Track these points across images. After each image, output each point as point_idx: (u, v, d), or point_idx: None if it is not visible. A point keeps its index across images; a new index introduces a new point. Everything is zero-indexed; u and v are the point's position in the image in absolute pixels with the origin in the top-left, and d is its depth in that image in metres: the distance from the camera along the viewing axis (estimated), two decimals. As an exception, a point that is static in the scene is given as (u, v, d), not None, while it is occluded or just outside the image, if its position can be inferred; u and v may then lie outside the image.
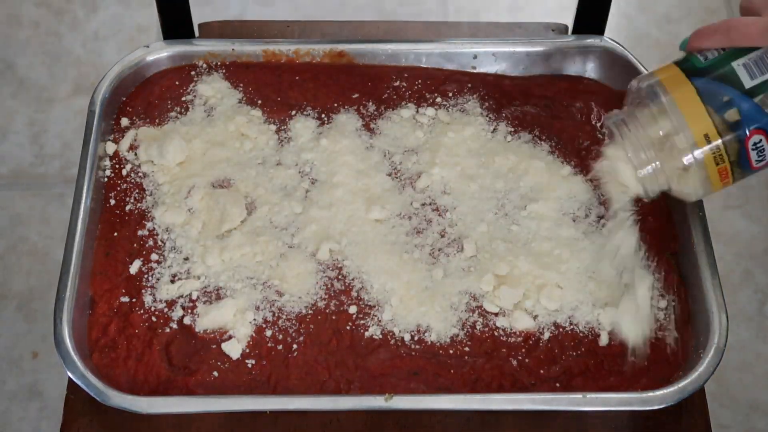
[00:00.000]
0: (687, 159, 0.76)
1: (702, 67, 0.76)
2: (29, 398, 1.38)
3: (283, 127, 0.95)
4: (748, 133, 0.75)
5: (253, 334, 0.83)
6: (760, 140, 0.75)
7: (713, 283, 0.83)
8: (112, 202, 0.90)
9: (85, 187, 0.88)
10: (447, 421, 0.82)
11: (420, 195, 0.90)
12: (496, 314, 0.84)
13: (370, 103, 0.96)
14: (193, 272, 0.86)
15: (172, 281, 0.86)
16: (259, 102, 0.96)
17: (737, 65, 0.75)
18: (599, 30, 0.99)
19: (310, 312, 0.84)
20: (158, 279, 0.86)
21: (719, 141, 0.75)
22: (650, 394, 0.79)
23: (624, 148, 0.79)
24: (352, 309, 0.84)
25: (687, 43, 0.78)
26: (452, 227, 0.88)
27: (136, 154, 0.93)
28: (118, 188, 0.91)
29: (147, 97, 0.96)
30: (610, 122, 0.81)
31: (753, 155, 0.76)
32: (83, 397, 0.81)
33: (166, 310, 0.84)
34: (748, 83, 0.75)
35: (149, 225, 0.88)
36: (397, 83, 0.97)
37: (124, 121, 0.95)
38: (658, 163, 0.78)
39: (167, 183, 0.91)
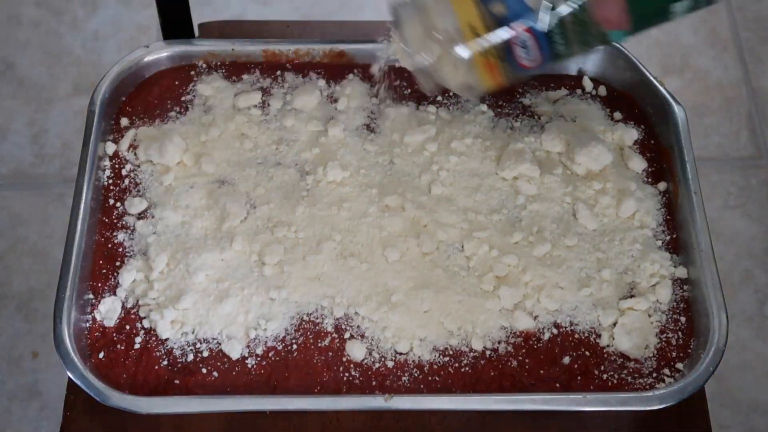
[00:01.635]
0: (456, 48, 0.74)
1: None
2: (29, 398, 1.37)
3: (282, 127, 0.95)
4: (512, 27, 0.73)
5: (253, 334, 0.83)
6: (526, 37, 0.73)
7: (713, 283, 0.83)
8: (112, 202, 0.90)
9: (85, 187, 0.88)
10: (447, 421, 0.82)
11: (421, 193, 0.90)
12: (497, 314, 0.84)
13: (370, 102, 0.96)
14: (193, 272, 0.86)
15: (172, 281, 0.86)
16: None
17: None
18: (599, 30, 0.99)
19: (310, 311, 0.84)
20: (158, 279, 0.86)
21: (483, 32, 0.73)
22: (650, 394, 0.79)
23: (402, 35, 0.77)
24: (352, 308, 0.84)
25: None
26: (453, 227, 0.88)
27: (135, 154, 0.93)
28: (118, 188, 0.91)
29: (146, 97, 0.96)
30: (394, 3, 0.77)
31: (521, 52, 0.74)
32: (83, 397, 0.81)
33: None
34: None
35: (149, 225, 0.88)
36: (397, 83, 0.97)
37: (124, 121, 0.95)
38: (431, 53, 0.76)
39: (167, 183, 0.91)
